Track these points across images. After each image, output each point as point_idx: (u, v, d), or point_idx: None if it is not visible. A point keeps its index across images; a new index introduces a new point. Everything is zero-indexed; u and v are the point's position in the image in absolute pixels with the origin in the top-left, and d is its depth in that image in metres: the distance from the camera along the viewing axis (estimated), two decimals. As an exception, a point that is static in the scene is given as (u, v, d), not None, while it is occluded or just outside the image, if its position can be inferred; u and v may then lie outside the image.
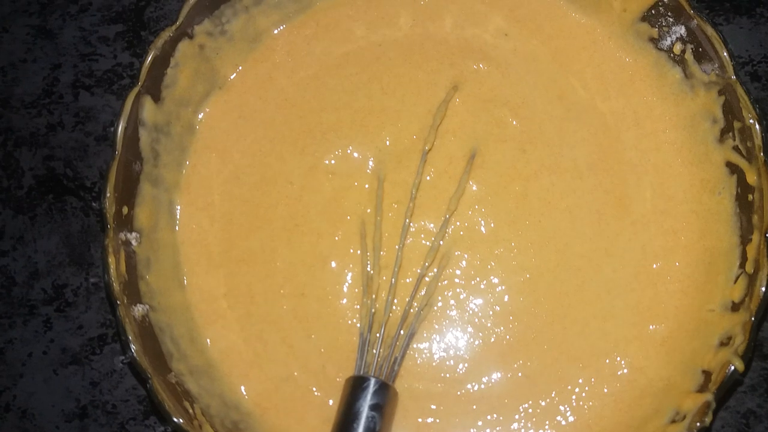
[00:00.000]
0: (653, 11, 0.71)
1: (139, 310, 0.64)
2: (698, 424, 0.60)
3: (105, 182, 0.64)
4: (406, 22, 0.76)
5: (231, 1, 0.72)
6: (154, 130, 0.69)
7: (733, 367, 0.60)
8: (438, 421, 0.66)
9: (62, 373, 0.74)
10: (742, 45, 0.80)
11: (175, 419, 0.59)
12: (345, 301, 0.69)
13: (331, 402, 0.66)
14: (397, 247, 0.68)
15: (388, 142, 0.72)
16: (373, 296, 0.67)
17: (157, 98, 0.69)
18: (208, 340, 0.69)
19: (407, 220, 0.69)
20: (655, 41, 0.73)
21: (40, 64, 0.82)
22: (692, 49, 0.70)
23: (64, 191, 0.79)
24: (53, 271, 0.77)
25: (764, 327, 0.73)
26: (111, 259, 0.62)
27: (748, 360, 0.61)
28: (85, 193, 0.79)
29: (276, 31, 0.76)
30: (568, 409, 0.66)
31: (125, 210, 0.66)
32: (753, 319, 0.61)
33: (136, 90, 0.66)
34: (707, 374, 0.62)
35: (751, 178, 0.65)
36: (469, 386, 0.67)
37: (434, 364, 0.68)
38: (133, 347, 0.60)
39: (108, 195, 0.63)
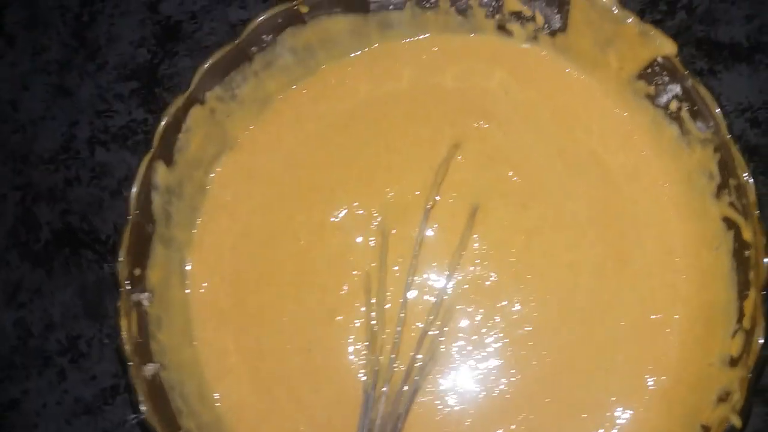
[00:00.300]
0: (649, 70, 0.73)
1: (149, 369, 0.66)
2: (699, 480, 0.60)
3: (118, 246, 0.66)
4: (409, 80, 0.78)
5: (241, 67, 0.74)
6: (166, 192, 0.71)
7: (731, 424, 0.61)
8: (443, 477, 0.68)
9: (75, 423, 0.76)
10: (742, 91, 0.81)
11: (184, 477, 0.61)
12: (351, 355, 0.70)
13: (336, 457, 0.67)
14: (401, 301, 0.70)
15: (392, 199, 0.74)
16: (377, 352, 0.69)
17: (169, 162, 0.71)
18: (218, 396, 0.70)
19: (410, 278, 0.70)
20: (652, 98, 0.74)
21: (58, 121, 0.85)
22: (687, 107, 0.71)
23: (80, 245, 0.81)
24: (68, 323, 0.79)
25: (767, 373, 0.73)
26: (124, 322, 0.64)
27: (746, 416, 0.61)
28: (100, 246, 0.81)
29: (283, 94, 0.78)
30: (571, 462, 0.67)
31: (137, 271, 0.68)
32: (750, 375, 0.61)
33: (149, 156, 0.68)
34: (706, 429, 0.63)
35: (747, 235, 0.66)
36: (473, 441, 0.68)
37: (438, 418, 0.69)
38: (143, 408, 0.61)
39: (121, 259, 0.65)
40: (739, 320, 0.66)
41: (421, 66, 0.79)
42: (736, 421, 0.60)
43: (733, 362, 0.65)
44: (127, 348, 0.63)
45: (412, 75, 0.79)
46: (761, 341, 0.62)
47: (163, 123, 0.69)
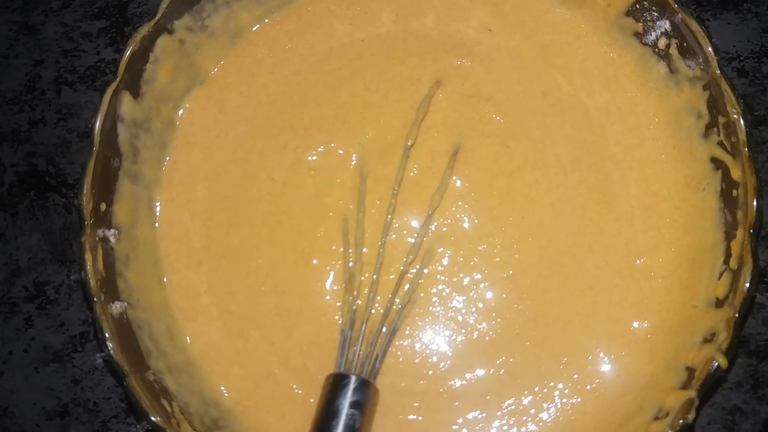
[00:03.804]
0: (637, 6, 0.71)
1: (116, 307, 0.64)
2: (681, 420, 0.59)
3: (82, 178, 0.63)
4: (389, 17, 0.76)
5: (212, -5, 0.72)
6: (133, 125, 0.68)
7: (716, 364, 0.60)
8: (420, 418, 0.66)
9: (43, 371, 0.73)
10: (730, 40, 0.80)
11: (152, 417, 0.59)
12: (327, 298, 0.69)
13: (312, 400, 0.65)
14: (379, 243, 0.68)
15: (370, 138, 0.72)
16: (355, 293, 0.67)
17: (136, 94, 0.68)
18: (188, 338, 0.68)
19: (389, 217, 0.68)
20: (639, 36, 0.72)
21: (22, 60, 0.82)
22: (677, 43, 0.70)
23: (46, 188, 0.78)
24: (35, 268, 0.76)
25: (750, 323, 0.72)
26: (88, 256, 0.61)
27: (732, 356, 0.60)
28: (68, 189, 0.78)
29: (257, 27, 0.75)
30: (550, 405, 0.66)
31: (103, 206, 0.65)
32: (737, 315, 0.60)
33: (114, 85, 0.65)
34: (690, 371, 0.62)
35: (736, 174, 0.65)
36: (451, 383, 0.67)
37: (416, 360, 0.67)
38: (109, 345, 0.59)
39: (85, 191, 0.63)
40: (726, 261, 0.64)
41: (401, 4, 0.76)
42: (722, 361, 0.59)
43: (719, 303, 0.64)
44: (92, 283, 0.61)
45: (392, 16, 0.76)
46: (748, 280, 0.60)
47: (128, 51, 0.66)
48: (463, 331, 0.68)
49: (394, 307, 0.67)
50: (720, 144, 0.67)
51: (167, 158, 0.72)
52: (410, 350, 0.67)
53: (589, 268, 0.69)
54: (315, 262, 0.69)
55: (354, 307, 0.66)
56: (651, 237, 0.69)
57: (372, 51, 0.75)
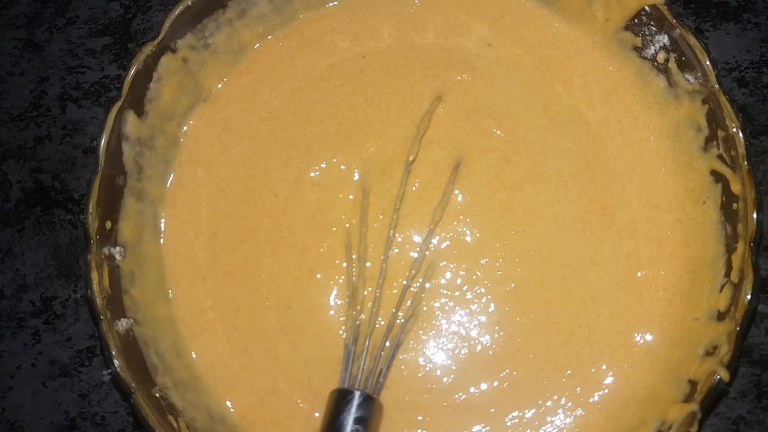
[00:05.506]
0: (636, 20, 0.72)
1: (123, 324, 0.64)
2: (684, 434, 0.60)
3: (87, 197, 0.64)
4: (390, 33, 0.76)
5: (214, 14, 0.72)
6: (137, 144, 0.69)
7: (718, 377, 0.60)
8: (424, 432, 0.67)
9: (51, 385, 0.74)
10: (729, 51, 0.80)
11: (159, 434, 0.59)
12: (331, 312, 0.69)
13: (317, 414, 0.66)
14: (382, 257, 0.68)
15: (372, 154, 0.73)
16: (359, 308, 0.67)
17: (140, 112, 0.69)
18: (194, 353, 0.69)
19: (391, 231, 0.69)
20: (638, 50, 0.73)
21: (27, 77, 0.83)
22: (675, 58, 0.70)
23: (52, 204, 0.79)
24: (41, 283, 0.77)
25: (753, 333, 0.73)
26: (94, 275, 0.62)
27: (734, 369, 0.61)
28: (73, 205, 0.79)
29: (259, 44, 0.76)
30: (554, 418, 0.66)
31: (108, 224, 0.66)
32: (738, 328, 0.61)
33: (118, 104, 0.66)
34: (693, 384, 0.62)
35: (735, 187, 0.65)
36: (455, 397, 0.67)
37: (420, 375, 0.68)
38: (116, 362, 0.60)
39: (91, 210, 0.63)
40: (727, 274, 0.65)
41: (401, 20, 0.77)
42: (724, 374, 0.60)
43: (720, 316, 0.64)
44: (99, 301, 0.61)
45: (393, 32, 0.77)
46: (749, 293, 0.61)
47: (132, 70, 0.66)
48: (466, 344, 0.68)
49: (398, 321, 0.68)
50: (720, 157, 0.67)
51: (171, 175, 0.73)
52: (414, 364, 0.68)
53: (590, 280, 0.69)
54: (318, 276, 0.70)
55: (357, 322, 0.67)
56: (652, 249, 0.70)
57: (373, 67, 0.75)
